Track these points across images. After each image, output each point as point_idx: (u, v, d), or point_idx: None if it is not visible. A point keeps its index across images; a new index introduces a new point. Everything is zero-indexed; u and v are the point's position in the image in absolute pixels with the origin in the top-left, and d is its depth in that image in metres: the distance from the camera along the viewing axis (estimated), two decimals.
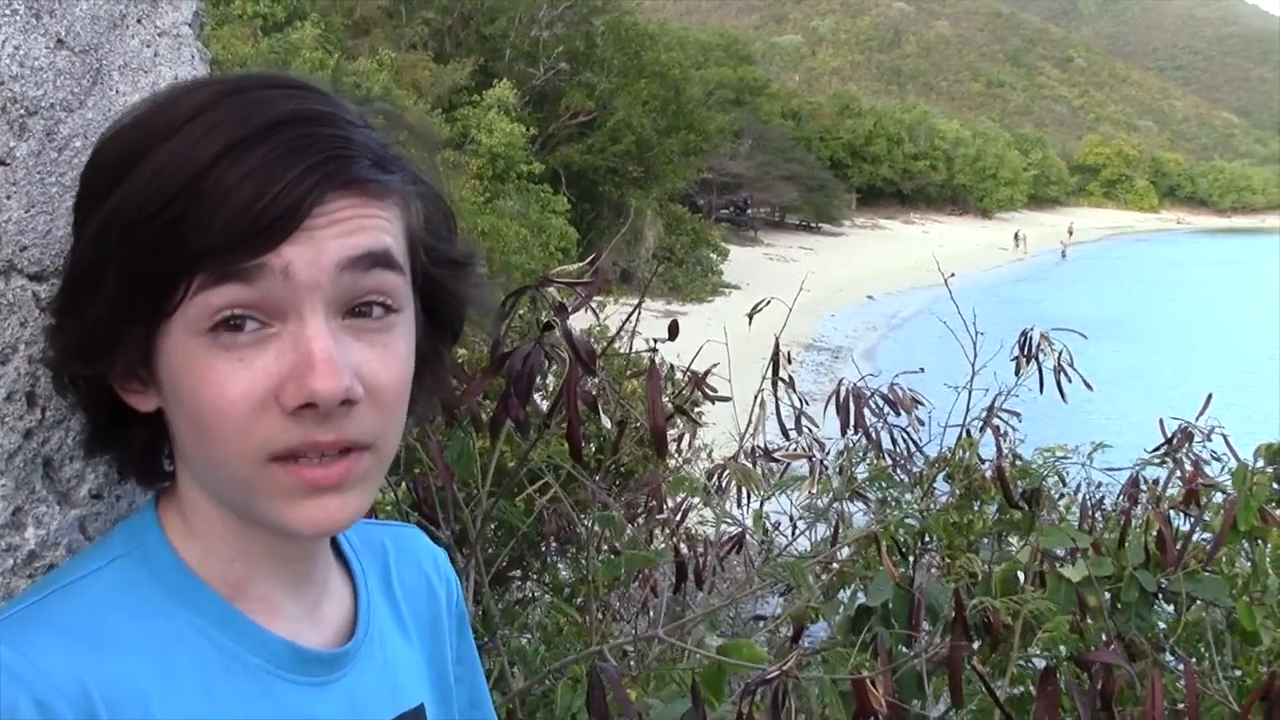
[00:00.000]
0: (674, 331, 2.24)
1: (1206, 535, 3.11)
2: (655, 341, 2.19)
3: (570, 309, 1.71)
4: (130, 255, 0.83)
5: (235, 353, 0.83)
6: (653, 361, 2.05)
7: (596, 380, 1.91)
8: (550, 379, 2.93)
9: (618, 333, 2.34)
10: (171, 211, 0.81)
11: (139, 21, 1.08)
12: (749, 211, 59.83)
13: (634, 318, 2.28)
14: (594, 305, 2.12)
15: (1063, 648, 2.45)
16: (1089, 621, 2.69)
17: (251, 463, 0.85)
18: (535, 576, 4.32)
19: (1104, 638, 2.78)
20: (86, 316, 0.87)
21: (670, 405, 2.73)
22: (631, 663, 3.16)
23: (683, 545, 3.05)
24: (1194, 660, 2.88)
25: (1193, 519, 3.11)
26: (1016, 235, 69.46)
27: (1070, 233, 76.53)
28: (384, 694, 1.02)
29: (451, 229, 0.98)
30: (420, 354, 0.94)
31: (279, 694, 0.92)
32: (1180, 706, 2.70)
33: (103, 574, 0.89)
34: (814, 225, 64.38)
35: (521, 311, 1.92)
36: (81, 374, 0.91)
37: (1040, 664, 2.73)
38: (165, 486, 0.97)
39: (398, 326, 0.89)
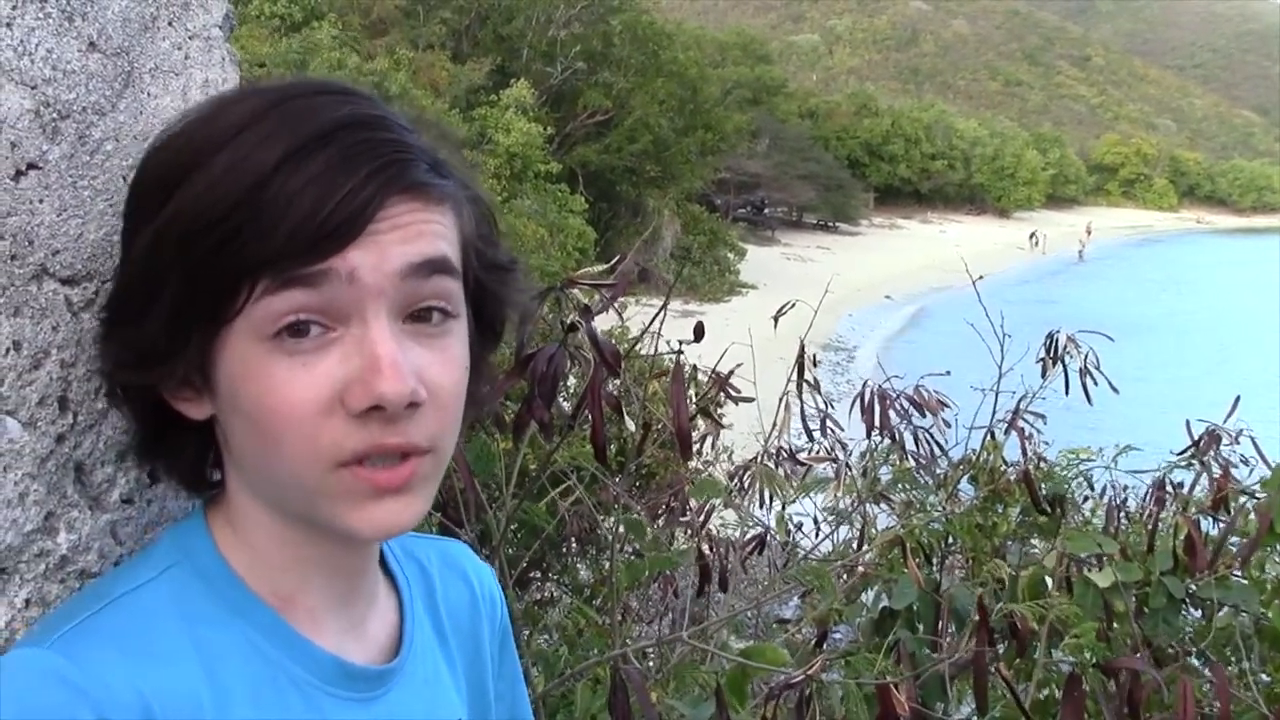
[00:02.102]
0: (700, 333, 2.22)
1: (1233, 539, 3.09)
2: (681, 343, 2.17)
3: (595, 310, 1.70)
4: (189, 266, 0.83)
5: (298, 358, 0.83)
6: (678, 364, 2.03)
7: (619, 382, 1.89)
8: (571, 380, 2.92)
9: (641, 334, 2.33)
10: (231, 222, 0.81)
11: (170, 24, 1.07)
12: (766, 211, 59.74)
13: (658, 319, 2.26)
14: (615, 306, 2.11)
15: (1089, 654, 2.43)
16: (1115, 627, 2.67)
17: (318, 468, 0.85)
18: (555, 577, 4.32)
19: (1129, 643, 2.75)
20: (141, 327, 0.86)
21: (693, 407, 2.71)
22: (651, 664, 3.15)
23: (705, 547, 3.03)
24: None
25: (1223, 523, 3.08)
26: (1033, 235, 69.14)
27: (1088, 232, 76.07)
28: (424, 710, 1.01)
29: (496, 234, 0.97)
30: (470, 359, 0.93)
31: (324, 709, 0.92)
32: (1205, 711, 2.68)
33: (156, 584, 0.89)
34: (831, 225, 64.22)
35: (543, 313, 1.90)
36: (135, 383, 0.91)
37: (1065, 667, 2.71)
38: (213, 494, 0.97)
39: (455, 331, 0.90)
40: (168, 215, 0.84)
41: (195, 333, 0.85)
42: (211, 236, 0.81)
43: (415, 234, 0.85)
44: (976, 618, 2.43)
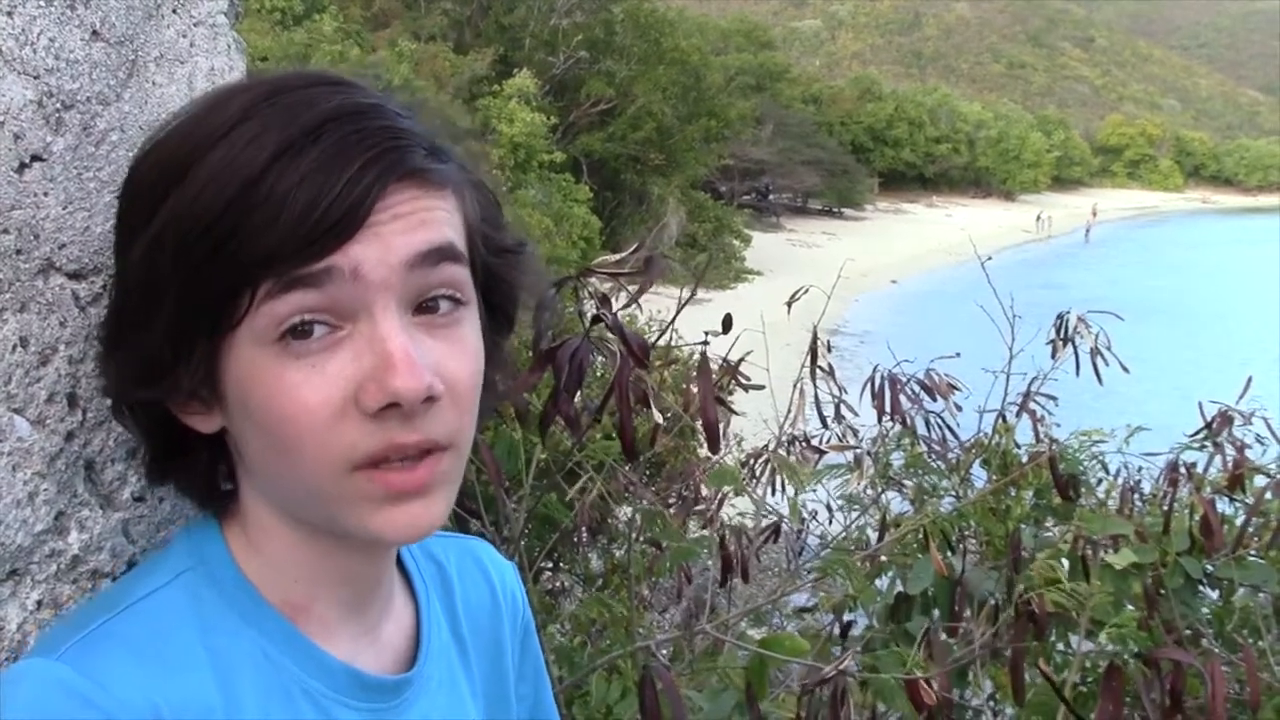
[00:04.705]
0: (728, 326, 2.20)
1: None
2: (707, 335, 2.14)
3: (624, 304, 1.67)
4: (186, 273, 0.80)
5: (307, 360, 0.80)
6: (704, 356, 2.01)
7: (640, 374, 1.87)
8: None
9: (667, 327, 2.31)
10: (226, 225, 0.78)
11: (174, 11, 1.05)
12: (771, 197, 59.61)
13: (675, 315, 2.24)
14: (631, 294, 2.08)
15: (1128, 644, 2.40)
16: (1155, 616, 2.64)
17: (334, 472, 0.82)
18: (567, 567, 4.30)
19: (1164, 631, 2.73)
20: (144, 340, 0.84)
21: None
22: (664, 653, 3.14)
23: (722, 535, 3.02)
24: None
25: (1239, 504, 3.06)
26: (1038, 217, 68.94)
27: (1094, 214, 75.97)
28: (440, 717, 0.99)
29: (500, 217, 0.95)
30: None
31: (339, 719, 0.90)
32: (1226, 695, 2.66)
33: (169, 590, 0.87)
34: (836, 210, 64.14)
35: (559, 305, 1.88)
36: (141, 400, 0.88)
37: (1081, 649, 2.70)
38: (225, 502, 0.94)
39: (466, 320, 0.87)
40: (161, 221, 0.81)
41: (199, 342, 0.82)
42: (207, 241, 0.79)
43: (418, 222, 0.82)
44: (1013, 609, 2.41)
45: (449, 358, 0.84)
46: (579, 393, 1.77)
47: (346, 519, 0.84)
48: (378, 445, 0.81)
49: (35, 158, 0.89)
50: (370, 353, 0.80)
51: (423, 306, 0.84)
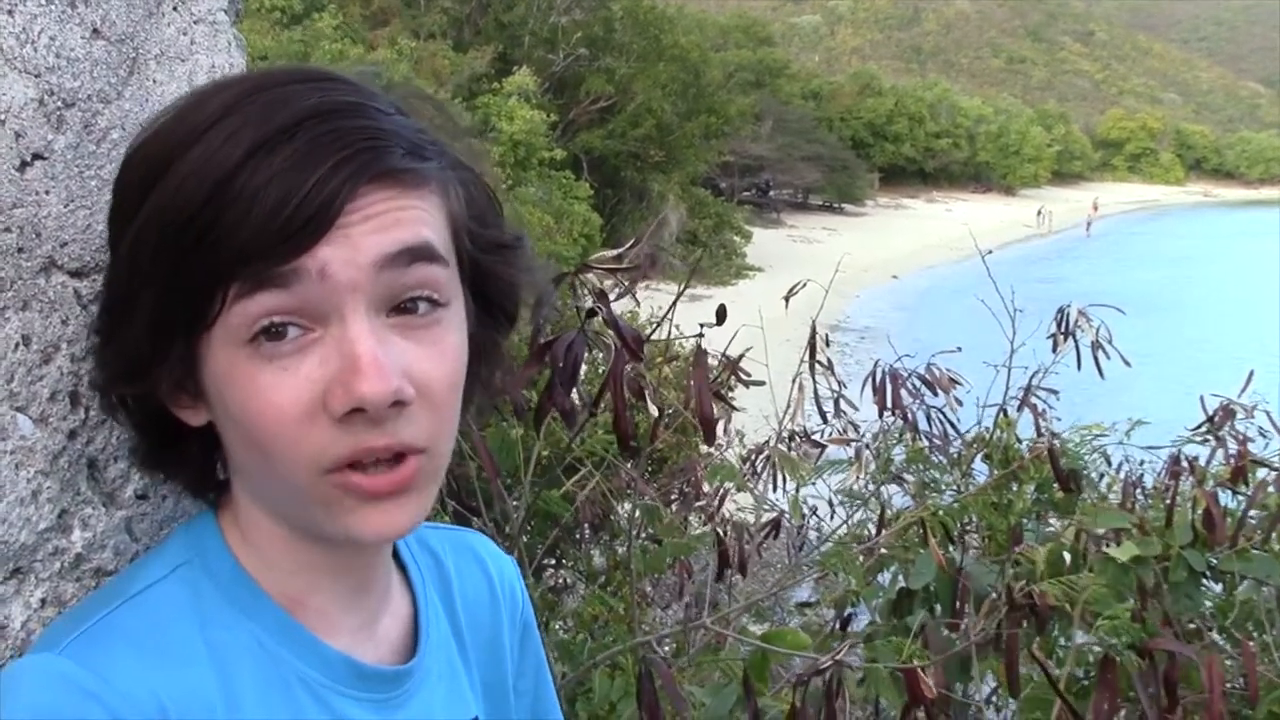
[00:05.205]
0: (721, 317, 2.20)
1: (1253, 512, 3.07)
2: (702, 326, 2.14)
3: (617, 295, 1.68)
4: (165, 269, 0.80)
5: (278, 362, 0.80)
6: (699, 349, 2.01)
7: (636, 367, 1.87)
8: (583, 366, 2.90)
9: (661, 320, 2.31)
10: (200, 221, 0.78)
11: (174, 9, 1.06)
12: (771, 193, 59.54)
13: (672, 305, 2.24)
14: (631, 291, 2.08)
15: (1121, 636, 2.40)
16: (1149, 608, 2.64)
17: (308, 474, 0.82)
18: (569, 564, 4.31)
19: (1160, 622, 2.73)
20: (127, 336, 0.84)
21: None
22: (666, 648, 3.14)
23: (721, 531, 3.02)
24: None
25: (1242, 497, 3.06)
26: (1039, 212, 68.82)
27: (1095, 208, 75.83)
28: (441, 710, 0.99)
29: (497, 212, 0.94)
30: (475, 344, 0.91)
31: (337, 710, 0.90)
32: (1228, 687, 2.66)
33: (167, 583, 0.87)
34: (837, 206, 64.04)
35: (556, 300, 1.88)
36: (129, 393, 0.89)
37: (1077, 641, 2.70)
38: (222, 494, 0.95)
39: (446, 320, 0.86)
40: (144, 216, 0.81)
41: (177, 340, 0.83)
42: (184, 237, 0.79)
43: (391, 222, 0.81)
44: (1005, 600, 2.41)
45: (423, 360, 0.83)
46: (576, 387, 1.77)
47: (323, 520, 0.85)
48: (346, 449, 0.81)
49: (37, 156, 0.90)
50: (338, 356, 0.80)
51: (400, 308, 0.83)
